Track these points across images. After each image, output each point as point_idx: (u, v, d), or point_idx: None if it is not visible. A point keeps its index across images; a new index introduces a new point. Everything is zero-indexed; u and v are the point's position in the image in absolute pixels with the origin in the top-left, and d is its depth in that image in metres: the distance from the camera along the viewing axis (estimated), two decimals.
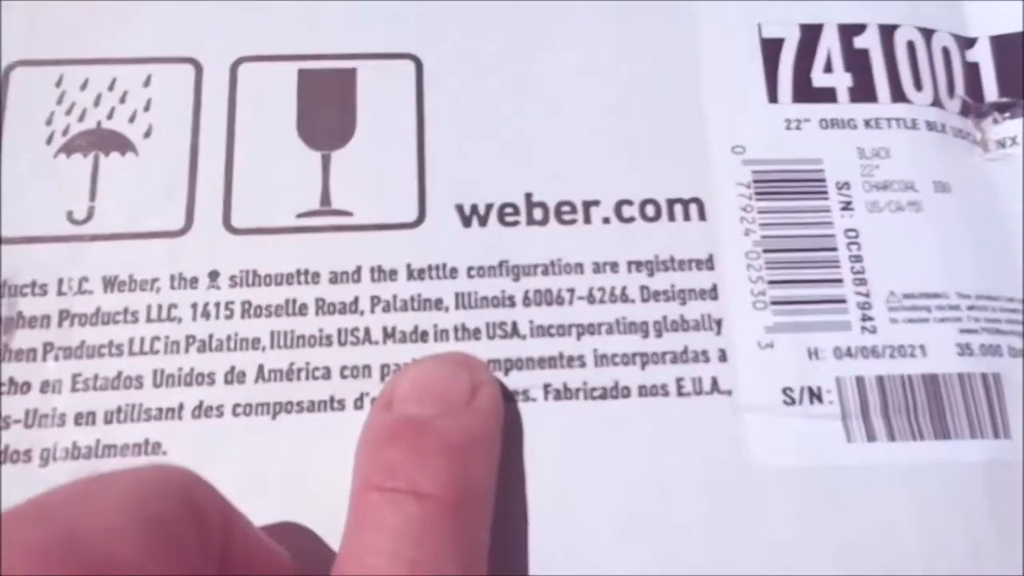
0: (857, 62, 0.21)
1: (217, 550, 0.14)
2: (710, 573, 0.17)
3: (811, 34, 0.21)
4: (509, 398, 0.18)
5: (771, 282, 0.19)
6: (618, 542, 0.17)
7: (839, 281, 0.19)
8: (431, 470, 0.15)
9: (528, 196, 0.19)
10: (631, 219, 0.19)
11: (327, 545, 0.17)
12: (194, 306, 0.18)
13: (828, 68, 0.21)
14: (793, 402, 0.18)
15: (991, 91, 0.21)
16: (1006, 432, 0.18)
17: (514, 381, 0.18)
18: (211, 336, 0.18)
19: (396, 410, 0.16)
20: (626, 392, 0.18)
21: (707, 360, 0.18)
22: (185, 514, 0.13)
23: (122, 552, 0.12)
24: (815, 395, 0.18)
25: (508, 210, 0.19)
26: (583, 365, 0.18)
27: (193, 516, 0.13)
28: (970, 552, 0.17)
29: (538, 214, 0.19)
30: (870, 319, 0.19)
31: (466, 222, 0.19)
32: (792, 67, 0.20)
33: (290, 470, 0.17)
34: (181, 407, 0.18)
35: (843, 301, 0.19)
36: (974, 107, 0.21)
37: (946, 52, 0.21)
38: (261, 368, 0.18)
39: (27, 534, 0.11)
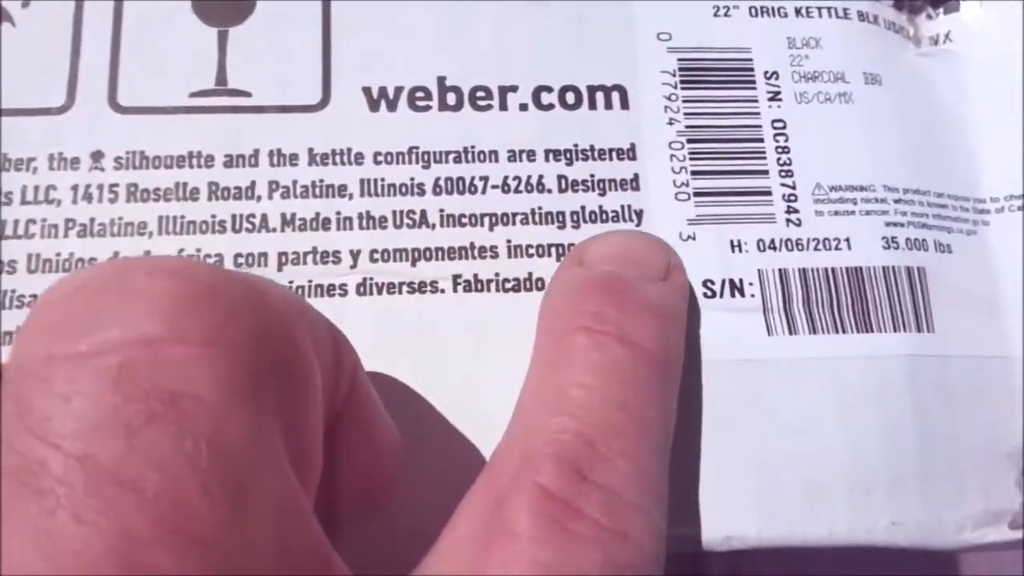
0: None
1: (344, 393, 0.13)
2: None
3: None
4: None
5: (694, 173, 0.18)
6: None
7: (764, 173, 0.18)
8: (639, 324, 0.15)
9: (441, 80, 0.18)
10: (550, 106, 0.18)
11: None
12: (75, 188, 0.17)
13: None
14: (714, 295, 0.17)
15: None
16: (929, 326, 0.17)
17: (422, 272, 0.17)
18: (92, 220, 0.17)
19: (594, 268, 0.16)
20: (540, 284, 0.17)
21: None
22: (335, 339, 0.13)
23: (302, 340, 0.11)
24: (737, 288, 0.17)
25: (419, 94, 0.18)
26: (496, 256, 0.17)
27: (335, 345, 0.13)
28: (889, 448, 0.17)
29: (451, 99, 0.18)
30: (795, 211, 0.18)
31: (374, 106, 0.18)
32: None
33: None
34: None
35: (768, 193, 0.18)
36: (908, 1, 0.20)
37: None
38: (148, 254, 0.17)
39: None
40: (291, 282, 0.17)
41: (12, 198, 0.17)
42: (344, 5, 0.18)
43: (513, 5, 0.19)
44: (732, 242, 0.18)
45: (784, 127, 0.18)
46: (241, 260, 0.17)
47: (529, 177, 0.18)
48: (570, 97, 0.18)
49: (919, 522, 0.16)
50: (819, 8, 0.19)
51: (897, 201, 0.18)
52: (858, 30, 0.19)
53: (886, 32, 0.20)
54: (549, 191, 0.18)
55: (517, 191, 0.18)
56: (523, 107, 0.18)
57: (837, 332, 0.17)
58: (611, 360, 0.14)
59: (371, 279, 0.17)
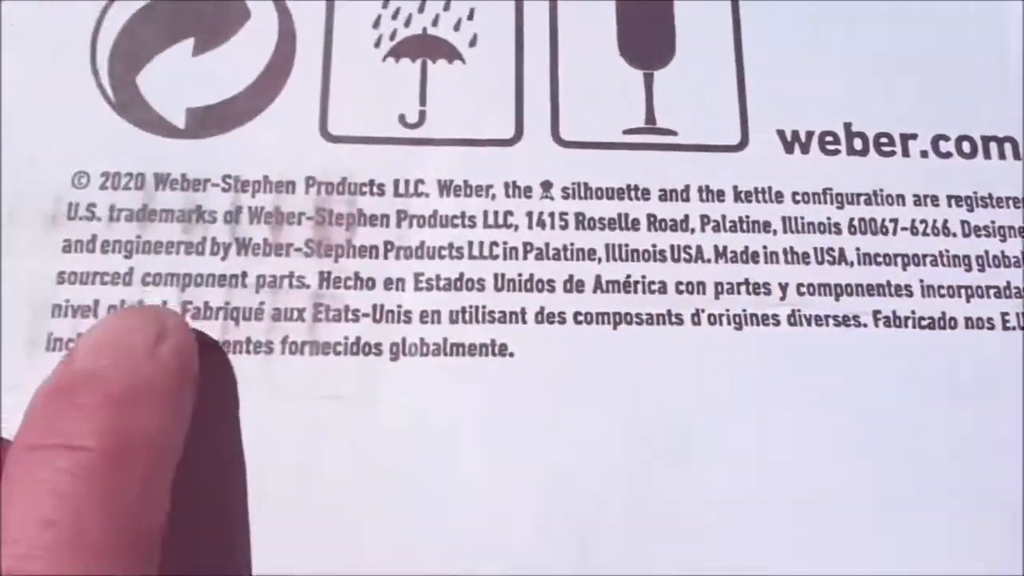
0: None
1: None
2: None
3: None
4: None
5: None
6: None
7: None
8: (89, 422, 0.14)
9: (847, 126, 0.20)
10: (948, 154, 0.19)
11: None
12: (529, 214, 0.18)
13: None
14: None
15: None
16: None
17: (845, 306, 0.18)
18: (547, 244, 0.18)
19: (75, 365, 0.15)
20: (952, 323, 0.18)
21: None
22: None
23: None
24: None
25: (828, 138, 0.19)
26: (910, 295, 0.18)
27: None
28: None
29: (858, 144, 0.19)
30: None
31: (788, 148, 0.19)
32: None
33: (633, 379, 0.18)
34: (524, 311, 0.18)
35: None
36: None
37: None
38: (599, 279, 0.18)
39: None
40: (727, 310, 0.18)
41: (476, 222, 0.18)
42: (756, 53, 0.20)
43: (907, 58, 0.20)
44: None
45: None
46: (683, 288, 0.18)
47: (935, 221, 0.19)
48: (966, 146, 0.20)
49: None
50: None
51: None
52: None
53: None
54: (954, 235, 0.19)
55: (924, 234, 0.19)
56: (923, 154, 0.19)
57: None
58: (49, 475, 0.14)
59: (799, 311, 0.18)
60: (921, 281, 0.19)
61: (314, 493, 0.17)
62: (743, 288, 0.18)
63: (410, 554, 0.17)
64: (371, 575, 0.16)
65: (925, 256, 0.19)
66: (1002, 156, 0.20)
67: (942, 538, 0.17)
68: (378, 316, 0.18)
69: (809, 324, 0.18)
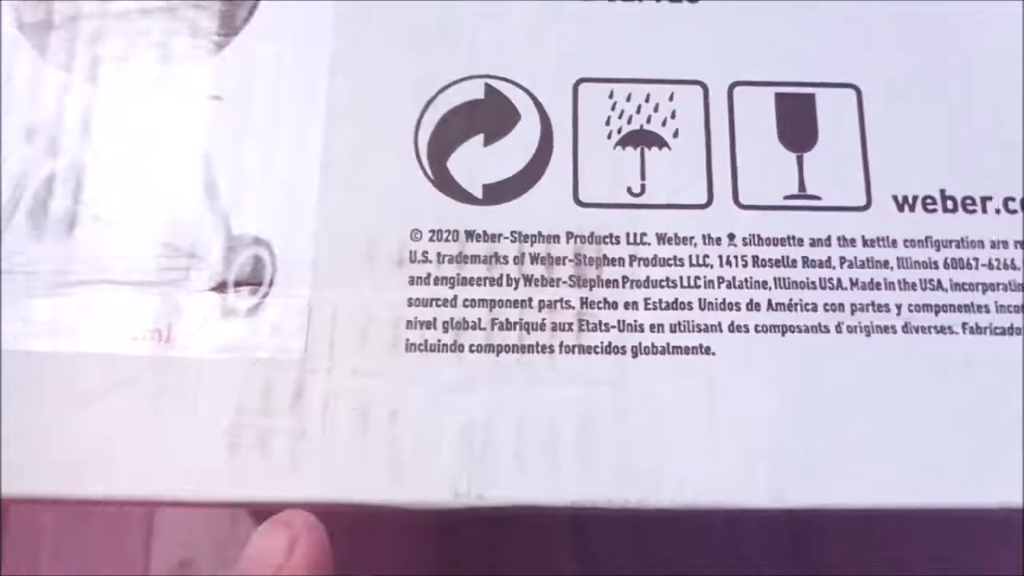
0: None
1: None
2: None
3: None
4: None
5: None
6: None
7: None
8: None
9: (942, 191, 0.28)
10: (1015, 211, 0.28)
11: None
12: (720, 256, 0.27)
13: None
14: None
15: None
16: None
17: (941, 320, 0.27)
18: (734, 278, 0.27)
19: None
20: (1016, 331, 0.27)
21: None
22: None
23: None
24: None
25: (928, 200, 0.28)
26: (988, 311, 0.27)
27: None
28: None
29: (949, 205, 0.28)
30: None
31: (900, 207, 0.28)
32: None
33: (796, 370, 0.26)
34: (720, 324, 0.27)
35: None
36: None
37: None
38: (770, 301, 0.27)
39: None
40: (859, 322, 0.27)
41: (683, 262, 0.27)
42: (876, 135, 0.28)
43: (990, 134, 0.28)
44: None
45: None
46: (828, 307, 0.27)
47: (1007, 259, 0.27)
48: None
49: None
50: None
51: None
52: None
53: None
54: (1017, 268, 0.27)
55: (999, 268, 0.27)
56: (996, 211, 0.28)
57: None
58: None
59: (909, 323, 0.27)
60: (996, 302, 0.27)
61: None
62: (870, 307, 0.27)
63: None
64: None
65: (998, 284, 0.27)
66: None
67: None
68: (621, 327, 0.27)
69: (917, 332, 0.27)
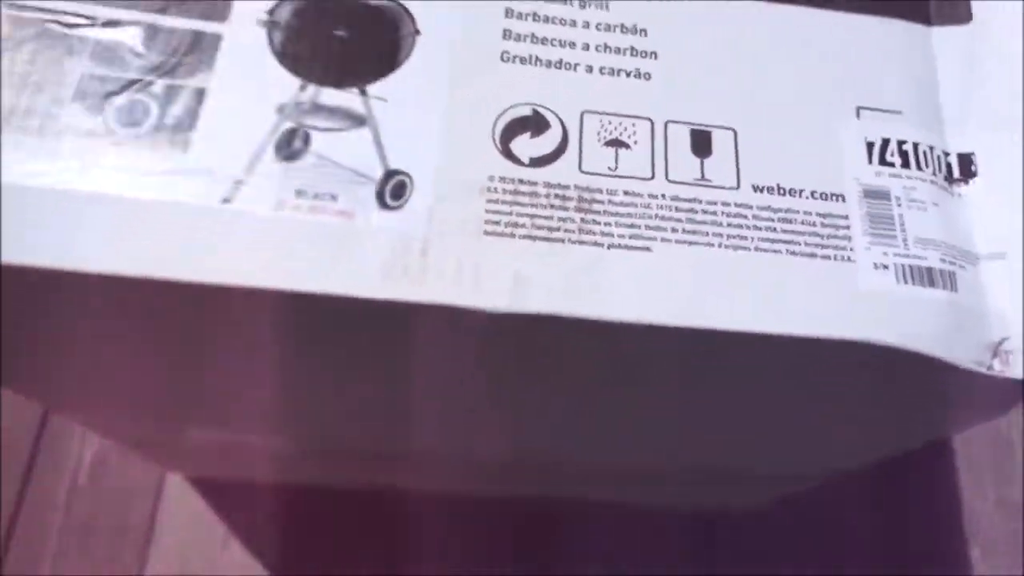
0: None
1: None
2: None
3: None
4: None
5: None
6: None
7: None
8: None
9: None
10: None
11: None
12: (657, 205, 0.50)
13: None
14: None
15: None
16: None
17: None
18: (666, 216, 0.50)
19: None
20: None
21: None
22: None
23: None
24: None
25: None
26: None
27: None
28: None
29: None
30: None
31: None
32: None
33: None
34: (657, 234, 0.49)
35: None
36: None
37: None
38: None
39: None
40: None
41: None
42: None
43: None
44: None
45: None
46: None
47: None
48: None
49: None
50: None
51: None
52: None
53: None
54: None
55: None
56: None
57: None
58: None
59: None
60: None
61: None
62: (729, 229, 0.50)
63: None
64: None
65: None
66: None
67: None
68: (601, 233, 0.49)
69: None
